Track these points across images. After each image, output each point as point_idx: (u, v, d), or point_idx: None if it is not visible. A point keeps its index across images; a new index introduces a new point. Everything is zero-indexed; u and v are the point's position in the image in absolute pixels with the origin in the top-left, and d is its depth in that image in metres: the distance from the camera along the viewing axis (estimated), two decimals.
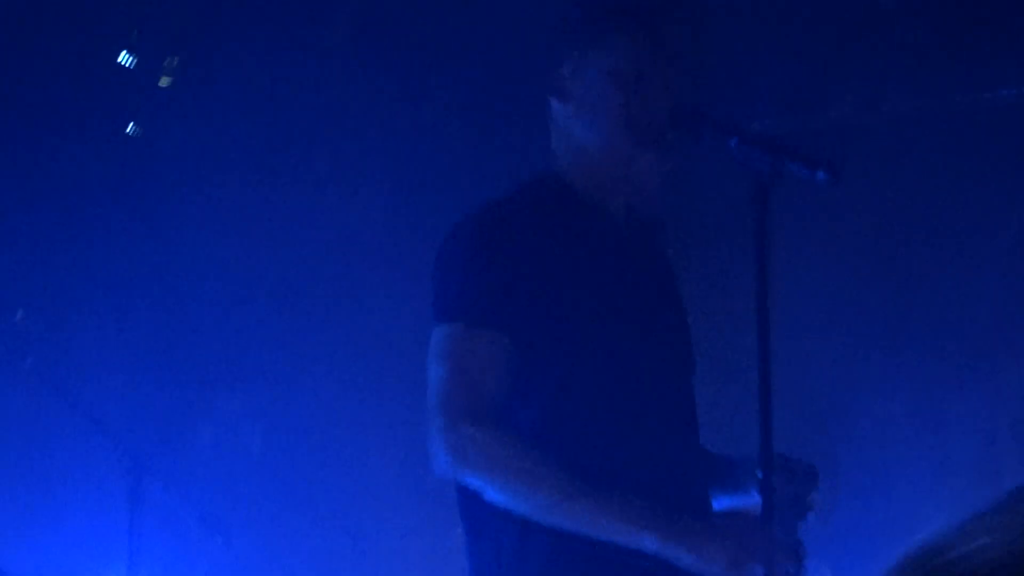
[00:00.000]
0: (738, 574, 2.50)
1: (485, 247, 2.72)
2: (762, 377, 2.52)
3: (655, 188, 2.82)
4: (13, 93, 5.29)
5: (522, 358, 2.65)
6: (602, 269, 2.76)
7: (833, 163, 2.61)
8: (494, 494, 2.61)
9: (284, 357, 5.85)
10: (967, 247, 5.25)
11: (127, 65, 5.26)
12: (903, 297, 5.33)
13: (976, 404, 5.09)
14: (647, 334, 2.73)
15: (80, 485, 5.52)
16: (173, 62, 5.34)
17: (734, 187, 2.68)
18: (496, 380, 2.62)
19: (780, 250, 2.62)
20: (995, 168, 5.19)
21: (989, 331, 5.17)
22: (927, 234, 5.29)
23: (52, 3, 5.28)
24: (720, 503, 2.80)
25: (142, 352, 5.65)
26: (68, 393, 4.99)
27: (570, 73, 2.83)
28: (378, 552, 5.74)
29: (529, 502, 2.58)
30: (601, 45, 2.82)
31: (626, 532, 2.54)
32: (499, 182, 2.96)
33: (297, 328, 5.77)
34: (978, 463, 5.06)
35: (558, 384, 2.66)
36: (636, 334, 2.71)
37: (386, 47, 5.40)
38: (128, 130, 5.41)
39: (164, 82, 5.32)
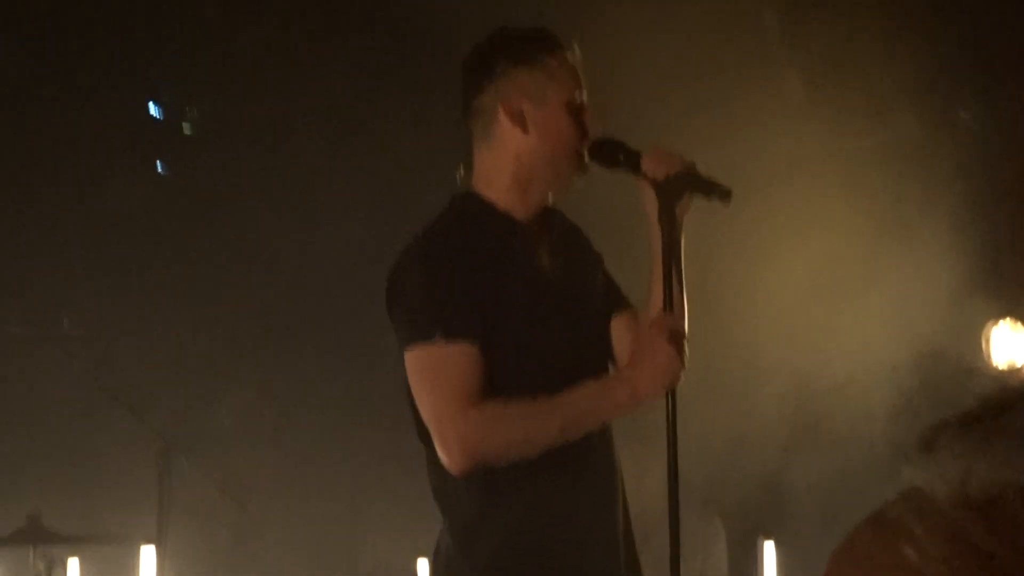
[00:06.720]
0: (672, 379, 2.90)
1: (436, 270, 2.88)
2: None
3: (558, 202, 3.12)
4: (63, 136, 6.11)
5: (485, 357, 2.87)
6: (529, 273, 2.98)
7: (726, 188, 2.92)
8: (512, 448, 2.84)
9: (291, 353, 6.68)
10: None
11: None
12: None
13: None
14: (568, 324, 3.01)
15: (118, 460, 6.09)
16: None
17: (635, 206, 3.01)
18: (476, 381, 2.84)
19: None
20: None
21: None
22: None
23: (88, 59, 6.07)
24: None
25: (169, 352, 6.40)
26: (108, 387, 5.62)
27: (531, 102, 2.95)
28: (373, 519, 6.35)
29: (542, 434, 2.84)
30: (559, 78, 2.96)
31: (607, 407, 2.93)
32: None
33: (304, 327, 6.58)
34: None
35: (510, 373, 2.90)
36: (560, 326, 2.99)
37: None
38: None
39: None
